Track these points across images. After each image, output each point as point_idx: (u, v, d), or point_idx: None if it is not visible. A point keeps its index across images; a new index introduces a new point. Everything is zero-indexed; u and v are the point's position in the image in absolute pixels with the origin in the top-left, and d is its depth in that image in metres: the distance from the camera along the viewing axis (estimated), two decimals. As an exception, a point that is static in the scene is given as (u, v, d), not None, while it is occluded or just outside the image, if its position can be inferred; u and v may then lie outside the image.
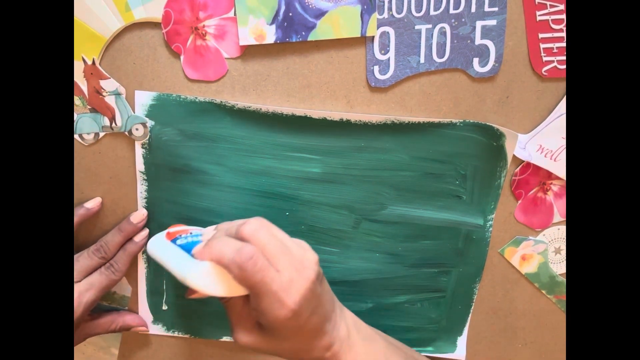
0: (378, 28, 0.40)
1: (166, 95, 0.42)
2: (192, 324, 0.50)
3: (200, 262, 0.34)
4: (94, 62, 0.41)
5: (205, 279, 0.33)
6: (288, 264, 0.34)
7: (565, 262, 0.48)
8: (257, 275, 0.33)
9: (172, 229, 0.41)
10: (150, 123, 0.42)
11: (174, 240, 0.39)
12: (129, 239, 0.45)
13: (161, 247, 0.39)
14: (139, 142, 0.43)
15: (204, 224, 0.45)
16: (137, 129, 0.42)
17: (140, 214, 0.44)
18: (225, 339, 0.50)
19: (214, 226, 0.39)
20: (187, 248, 0.36)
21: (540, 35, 0.41)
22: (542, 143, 0.43)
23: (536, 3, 0.40)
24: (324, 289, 0.37)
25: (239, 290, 0.34)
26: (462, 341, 0.51)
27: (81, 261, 0.43)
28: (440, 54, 0.41)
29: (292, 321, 0.34)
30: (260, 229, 0.35)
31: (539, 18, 0.40)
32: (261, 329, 0.36)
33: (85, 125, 0.42)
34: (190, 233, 0.39)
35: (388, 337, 0.44)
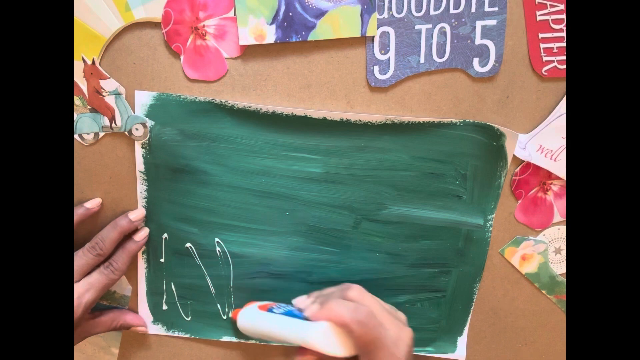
0: (378, 28, 0.40)
1: (166, 95, 0.42)
2: (192, 324, 0.50)
3: (318, 323, 0.37)
4: (93, 62, 0.41)
5: (325, 338, 0.37)
6: (391, 322, 0.38)
7: (565, 262, 0.48)
8: (374, 331, 0.36)
9: (260, 303, 0.44)
10: (150, 123, 0.42)
11: (270, 310, 0.41)
12: (128, 237, 0.45)
13: (262, 318, 0.42)
14: (138, 142, 0.43)
15: (204, 224, 0.45)
16: (137, 129, 0.42)
17: (138, 212, 0.44)
18: (225, 339, 0.50)
19: (305, 296, 0.43)
20: (292, 315, 0.40)
21: (540, 35, 0.41)
22: (542, 143, 0.43)
23: (536, 3, 0.40)
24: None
25: (351, 350, 0.37)
26: (462, 341, 0.51)
27: (77, 260, 0.42)
28: (440, 53, 0.41)
29: None
30: (364, 292, 0.40)
31: (539, 18, 0.40)
32: None
33: (85, 125, 0.42)
34: (278, 305, 0.42)
35: None
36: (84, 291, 0.42)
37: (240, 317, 0.44)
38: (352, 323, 0.36)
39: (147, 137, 0.43)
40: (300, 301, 0.43)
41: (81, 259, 0.42)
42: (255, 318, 0.43)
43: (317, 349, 0.36)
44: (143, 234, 0.45)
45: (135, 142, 0.43)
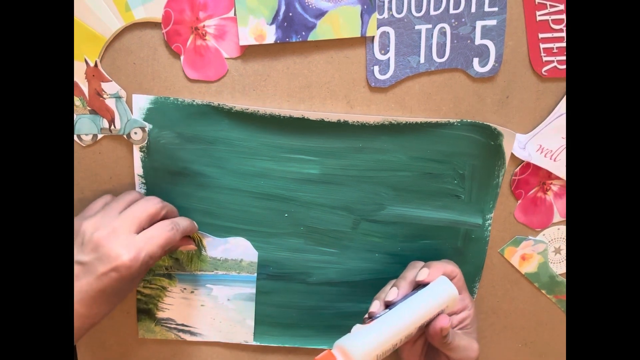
0: (378, 28, 0.40)
1: (164, 98, 0.42)
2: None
3: (441, 278, 0.40)
4: (96, 64, 0.41)
5: (454, 287, 0.39)
6: None
7: (565, 262, 0.48)
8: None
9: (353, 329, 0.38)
10: (148, 127, 0.42)
11: (374, 317, 0.38)
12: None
13: (386, 321, 0.37)
14: (137, 145, 0.43)
15: (202, 226, 0.45)
16: (135, 133, 0.42)
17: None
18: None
19: (392, 287, 0.40)
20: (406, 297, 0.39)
21: (540, 35, 0.41)
22: (542, 143, 0.43)
23: (536, 3, 0.40)
24: None
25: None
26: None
27: (150, 210, 0.40)
28: (440, 54, 0.41)
29: None
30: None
31: (539, 18, 0.40)
32: None
33: (84, 126, 0.42)
34: (377, 310, 0.39)
35: None
36: (143, 244, 0.38)
37: (352, 346, 0.35)
38: (459, 272, 0.41)
39: (146, 140, 0.43)
40: (393, 292, 0.40)
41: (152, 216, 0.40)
42: (374, 330, 0.37)
43: (456, 297, 0.39)
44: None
45: (134, 145, 0.43)
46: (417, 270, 0.41)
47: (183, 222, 0.42)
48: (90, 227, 0.38)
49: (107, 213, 0.39)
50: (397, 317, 0.37)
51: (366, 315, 0.39)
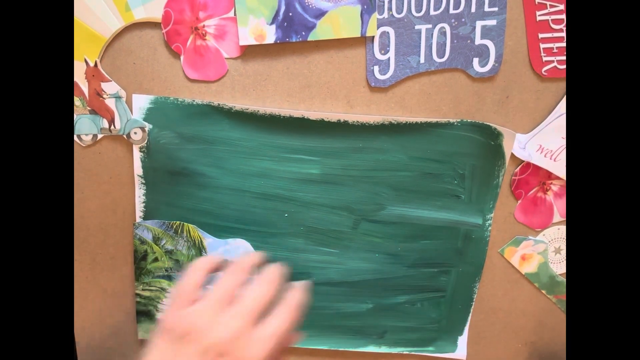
0: (378, 28, 0.40)
1: (164, 98, 0.42)
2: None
3: None
4: (96, 64, 0.41)
5: None
6: None
7: (565, 262, 0.48)
8: None
9: None
10: (148, 127, 0.42)
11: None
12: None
13: None
14: (137, 145, 0.43)
15: (203, 226, 0.45)
16: (135, 133, 0.42)
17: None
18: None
19: None
20: None
21: (540, 35, 0.41)
22: (542, 143, 0.43)
23: (536, 3, 0.40)
24: None
25: None
26: (462, 341, 0.51)
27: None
28: (440, 54, 0.41)
29: None
30: None
31: (539, 18, 0.40)
32: None
33: (84, 126, 0.42)
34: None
35: None
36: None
37: None
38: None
39: (146, 140, 0.43)
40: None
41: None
42: None
43: None
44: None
45: (134, 145, 0.43)
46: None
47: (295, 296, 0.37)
48: (204, 326, 0.33)
49: (212, 305, 0.35)
50: None
51: None
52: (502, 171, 0.44)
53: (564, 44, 0.41)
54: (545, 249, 0.47)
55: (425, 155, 0.44)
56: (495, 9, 0.40)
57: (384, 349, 0.51)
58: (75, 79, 0.41)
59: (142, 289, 0.48)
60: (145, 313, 0.49)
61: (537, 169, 0.44)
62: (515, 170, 0.45)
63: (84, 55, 0.40)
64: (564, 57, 0.41)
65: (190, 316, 0.34)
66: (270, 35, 0.40)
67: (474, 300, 0.49)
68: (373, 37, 0.40)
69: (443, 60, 0.41)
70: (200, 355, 0.32)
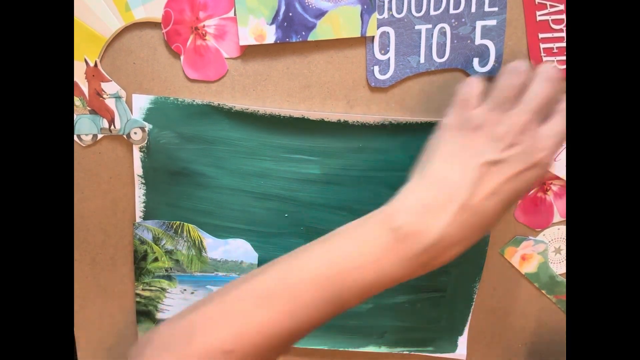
0: (378, 28, 0.40)
1: (164, 98, 0.42)
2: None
3: None
4: (96, 64, 0.41)
5: None
6: None
7: (565, 262, 0.48)
8: None
9: None
10: (148, 127, 0.42)
11: None
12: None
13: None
14: (137, 145, 0.43)
15: (202, 226, 0.45)
16: (135, 133, 0.42)
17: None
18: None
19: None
20: None
21: (540, 35, 0.41)
22: (542, 143, 0.43)
23: (536, 3, 0.40)
24: None
25: None
26: (462, 341, 0.51)
27: None
28: (440, 54, 0.41)
29: None
30: None
31: (539, 18, 0.40)
32: None
33: (84, 127, 0.42)
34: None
35: None
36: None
37: None
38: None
39: (146, 140, 0.43)
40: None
41: None
42: None
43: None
44: None
45: (134, 145, 0.43)
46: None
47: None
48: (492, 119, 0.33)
49: (498, 104, 0.34)
50: None
51: None
52: (502, 171, 0.44)
53: (564, 44, 0.41)
54: (545, 249, 0.47)
55: (425, 155, 0.44)
56: (495, 9, 0.40)
57: (384, 349, 0.51)
58: (75, 79, 0.41)
59: (142, 289, 0.48)
60: (145, 313, 0.49)
61: (537, 169, 0.44)
62: (515, 170, 0.45)
63: (84, 55, 0.40)
64: (564, 57, 0.41)
65: (479, 113, 0.34)
66: (270, 35, 0.40)
67: (474, 300, 0.49)
68: (373, 37, 0.40)
69: (443, 60, 0.41)
70: (492, 142, 0.33)
